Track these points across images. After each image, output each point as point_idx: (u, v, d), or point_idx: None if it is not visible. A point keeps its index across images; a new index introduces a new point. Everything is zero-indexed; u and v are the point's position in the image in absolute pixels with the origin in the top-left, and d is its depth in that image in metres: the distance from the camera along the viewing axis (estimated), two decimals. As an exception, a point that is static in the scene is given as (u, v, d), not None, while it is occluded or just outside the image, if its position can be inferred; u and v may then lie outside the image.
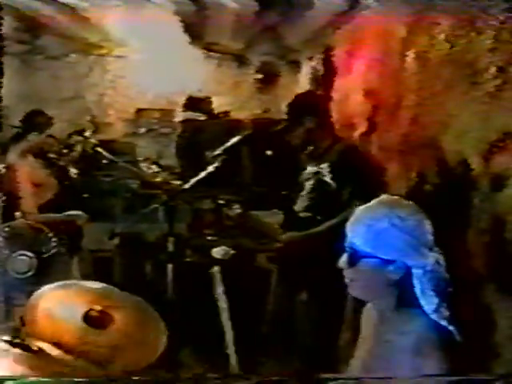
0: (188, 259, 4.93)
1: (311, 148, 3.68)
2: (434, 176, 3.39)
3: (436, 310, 1.86)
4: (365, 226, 1.89)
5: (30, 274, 3.82)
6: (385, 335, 1.98)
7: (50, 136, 4.81)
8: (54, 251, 3.91)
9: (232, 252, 4.69)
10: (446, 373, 1.76)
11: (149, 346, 2.42)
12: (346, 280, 1.97)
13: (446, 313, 1.86)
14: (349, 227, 1.95)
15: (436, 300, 1.86)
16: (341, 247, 1.96)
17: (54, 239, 4.00)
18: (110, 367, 2.26)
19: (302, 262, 3.54)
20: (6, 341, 1.79)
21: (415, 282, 1.87)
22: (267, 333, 4.01)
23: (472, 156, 3.01)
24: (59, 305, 2.42)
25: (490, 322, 2.75)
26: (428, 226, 1.90)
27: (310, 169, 3.65)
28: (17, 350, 1.77)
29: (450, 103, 3.29)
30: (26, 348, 1.83)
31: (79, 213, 4.66)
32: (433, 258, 1.87)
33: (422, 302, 1.87)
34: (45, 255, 3.98)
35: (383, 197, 1.98)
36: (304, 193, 3.69)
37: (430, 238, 1.89)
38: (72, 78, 6.76)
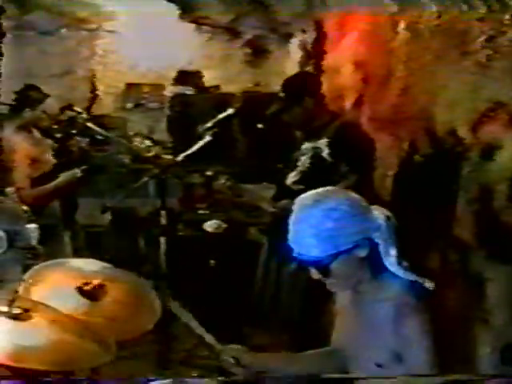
0: (180, 233, 4.98)
1: (308, 126, 3.71)
2: (425, 146, 3.41)
3: (399, 262, 1.90)
4: (312, 237, 1.88)
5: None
6: (363, 304, 2.01)
7: (44, 112, 4.79)
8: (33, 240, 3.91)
9: (224, 225, 4.73)
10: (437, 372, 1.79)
11: (143, 315, 2.47)
12: (327, 286, 1.98)
13: (405, 263, 1.90)
14: (295, 244, 1.92)
15: (394, 251, 1.90)
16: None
17: (33, 221, 3.98)
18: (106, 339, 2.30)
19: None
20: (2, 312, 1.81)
21: (379, 244, 1.90)
22: (255, 305, 4.04)
23: (462, 126, 3.03)
24: (53, 285, 2.47)
25: (479, 290, 2.78)
26: (356, 196, 1.94)
27: (307, 144, 3.67)
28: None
29: (440, 74, 3.30)
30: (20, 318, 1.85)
31: (74, 171, 4.62)
32: (381, 216, 1.92)
33: (385, 258, 1.91)
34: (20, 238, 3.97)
35: (300, 200, 1.96)
36: (298, 167, 3.71)
37: (366, 204, 1.93)
38: (62, 54, 6.71)
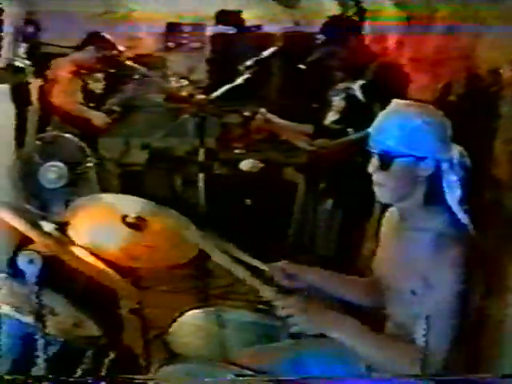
0: (217, 171, 5.05)
1: (349, 67, 3.73)
2: (461, 86, 3.40)
3: (459, 202, 1.96)
4: (396, 126, 1.96)
5: (60, 184, 3.94)
6: (405, 232, 2.07)
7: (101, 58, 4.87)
8: (87, 164, 4.04)
9: (260, 165, 4.79)
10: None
11: (182, 246, 2.55)
12: (375, 185, 2.04)
13: (465, 205, 1.96)
14: (376, 131, 2.01)
15: (460, 191, 1.95)
16: (367, 152, 2.02)
17: (85, 149, 4.11)
18: (146, 263, 2.39)
19: (330, 170, 3.65)
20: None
21: (443, 175, 1.96)
22: (292, 243, 4.11)
23: (504, 65, 3.01)
24: (95, 218, 2.55)
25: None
26: (447, 121, 2.01)
27: (342, 84, 3.71)
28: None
29: (484, 12, 3.26)
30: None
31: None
32: (457, 150, 1.98)
33: (448, 194, 1.96)
34: (77, 166, 4.09)
35: (398, 101, 2.05)
36: (334, 107, 3.75)
37: (451, 133, 2.00)
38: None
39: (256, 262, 2.42)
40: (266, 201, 4.91)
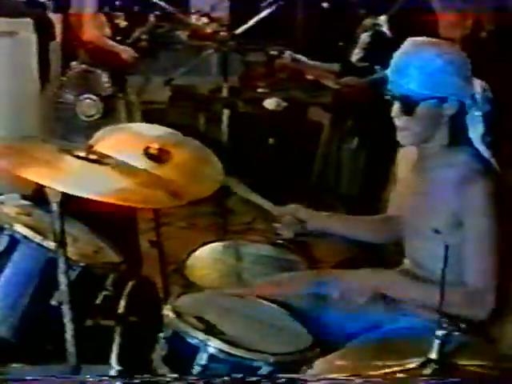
0: (241, 110, 5.01)
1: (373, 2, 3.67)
2: (492, 23, 3.31)
3: (482, 138, 1.94)
4: (417, 68, 1.91)
5: (96, 116, 3.94)
6: (427, 171, 2.06)
7: None
8: (110, 92, 4.02)
9: (284, 104, 4.74)
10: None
11: (206, 179, 2.53)
12: (398, 130, 2.00)
13: (488, 138, 1.94)
14: (395, 73, 1.96)
15: (482, 126, 1.93)
16: (390, 96, 1.98)
17: (113, 84, 4.10)
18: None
19: (356, 109, 3.61)
20: (82, 157, 1.87)
21: (467, 112, 1.93)
22: (315, 182, 4.10)
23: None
24: (118, 147, 2.53)
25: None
26: (466, 57, 1.98)
27: (368, 20, 3.64)
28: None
29: None
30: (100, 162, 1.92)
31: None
32: (479, 85, 1.94)
33: (471, 130, 1.95)
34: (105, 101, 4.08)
35: (414, 39, 2.00)
36: (360, 44, 3.69)
37: (471, 67, 1.95)
38: None
39: (266, 204, 2.43)
40: (289, 140, 4.89)
